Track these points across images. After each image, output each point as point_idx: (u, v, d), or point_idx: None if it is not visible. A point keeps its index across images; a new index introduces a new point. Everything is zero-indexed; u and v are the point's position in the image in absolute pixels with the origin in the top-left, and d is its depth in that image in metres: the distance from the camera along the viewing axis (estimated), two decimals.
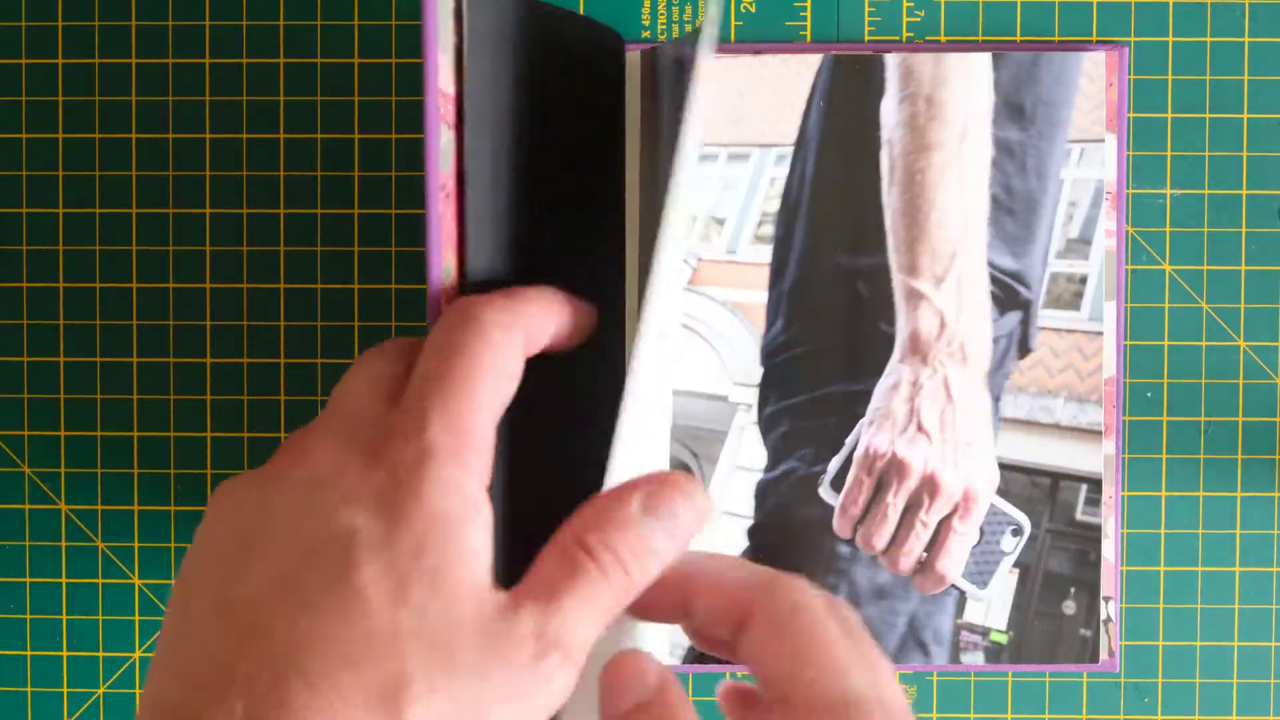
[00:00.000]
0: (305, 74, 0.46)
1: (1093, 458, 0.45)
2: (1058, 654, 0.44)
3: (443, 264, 0.34)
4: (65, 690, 0.46)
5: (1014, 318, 0.45)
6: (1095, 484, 0.45)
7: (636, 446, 0.35)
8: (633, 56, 0.43)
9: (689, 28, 0.46)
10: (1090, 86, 0.45)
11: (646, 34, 0.46)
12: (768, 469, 0.45)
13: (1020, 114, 0.45)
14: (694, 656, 0.45)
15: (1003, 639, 0.45)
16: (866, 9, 0.46)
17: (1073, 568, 0.45)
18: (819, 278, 0.45)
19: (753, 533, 0.45)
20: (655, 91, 0.42)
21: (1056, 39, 0.46)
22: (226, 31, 0.46)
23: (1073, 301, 0.45)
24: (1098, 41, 0.46)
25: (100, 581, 0.46)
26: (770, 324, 0.45)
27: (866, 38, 0.46)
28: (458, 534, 0.28)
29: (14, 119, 0.46)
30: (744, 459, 0.45)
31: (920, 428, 0.45)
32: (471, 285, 0.35)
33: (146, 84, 0.46)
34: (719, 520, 0.45)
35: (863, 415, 0.45)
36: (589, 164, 0.41)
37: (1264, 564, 0.46)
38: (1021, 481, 0.45)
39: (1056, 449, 0.45)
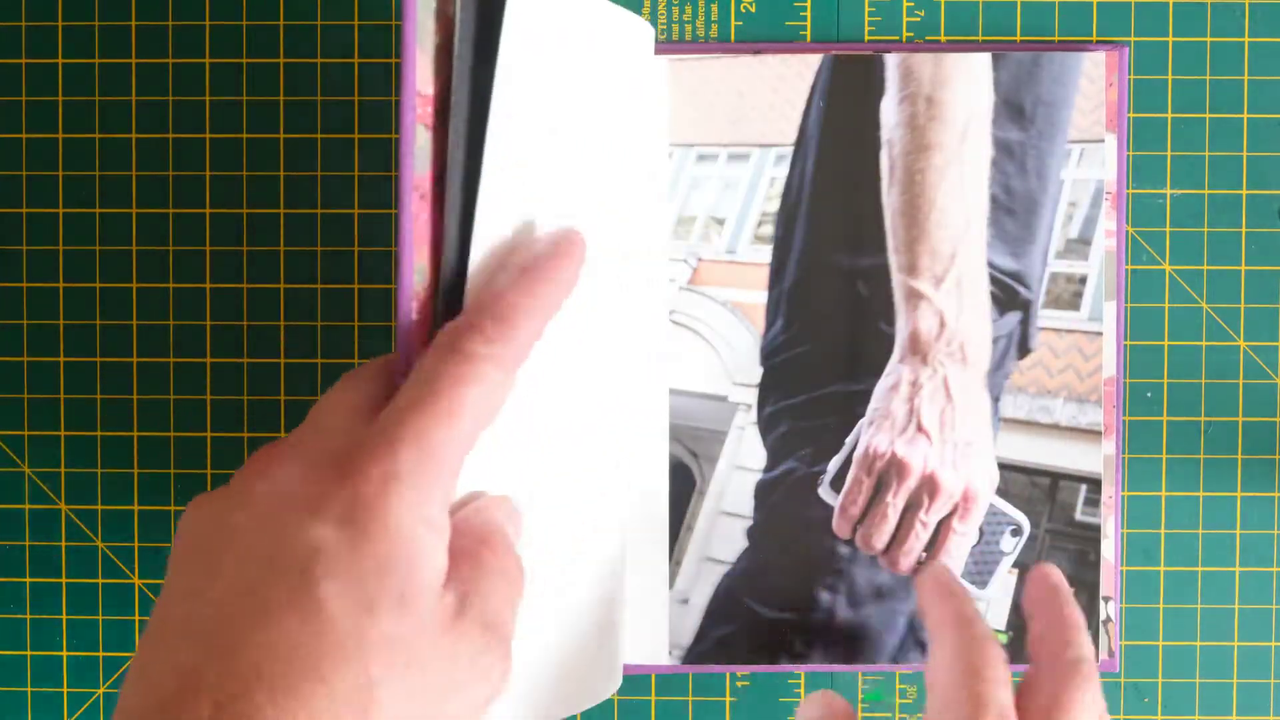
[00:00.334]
0: (305, 74, 0.46)
1: (1092, 458, 0.45)
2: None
3: (415, 265, 0.34)
4: (65, 690, 0.46)
5: (1014, 318, 0.45)
6: (1095, 484, 0.45)
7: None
8: None
9: (689, 28, 0.46)
10: (1090, 86, 0.45)
11: None
12: (767, 469, 0.45)
13: (1020, 114, 0.45)
14: (694, 657, 0.45)
15: (1002, 639, 0.45)
16: (866, 9, 0.46)
17: (1072, 568, 0.45)
18: (819, 278, 0.45)
19: (752, 533, 0.45)
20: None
21: (1056, 39, 0.46)
22: (226, 31, 0.46)
23: (1072, 301, 0.45)
24: (1098, 41, 0.46)
25: (100, 581, 0.46)
26: (770, 324, 0.45)
27: (866, 38, 0.46)
28: (418, 553, 0.29)
29: (14, 119, 0.46)
30: (744, 459, 0.45)
31: (920, 428, 0.45)
32: (447, 286, 0.35)
33: (146, 84, 0.46)
34: (719, 521, 0.45)
35: (862, 415, 0.45)
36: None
37: (1264, 564, 0.46)
38: (1021, 482, 0.45)
39: (1056, 449, 0.45)
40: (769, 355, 0.45)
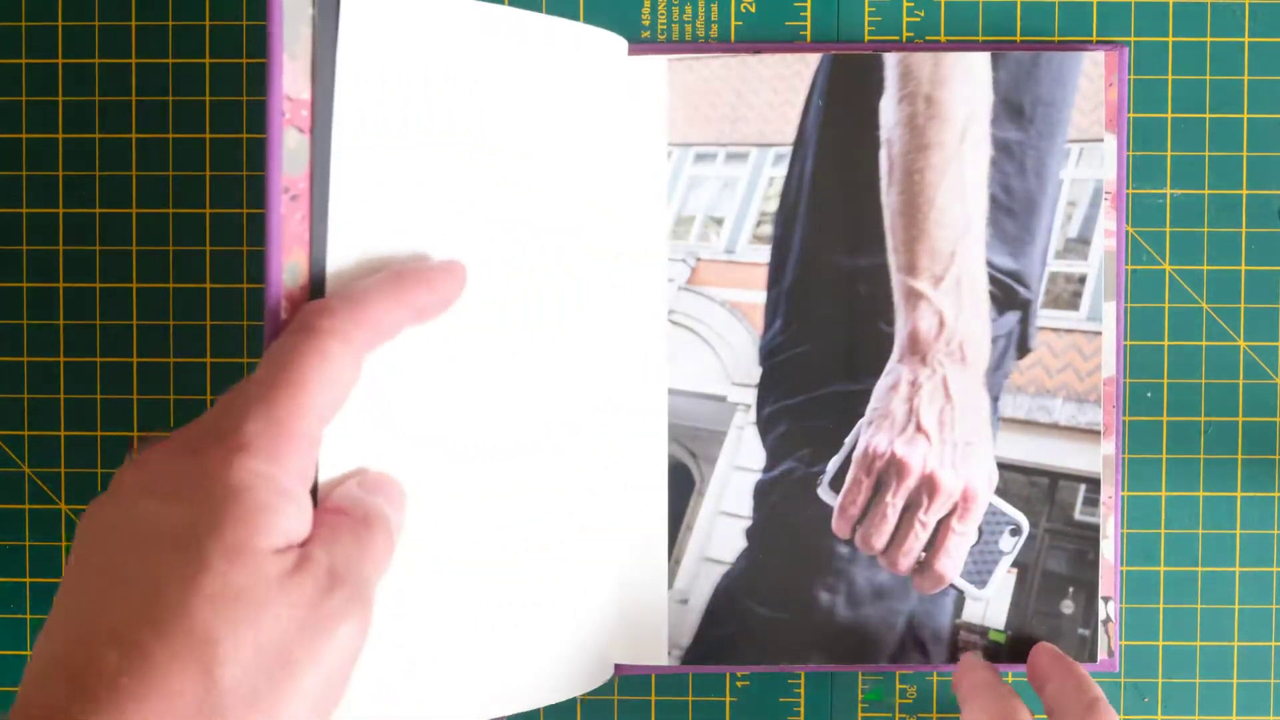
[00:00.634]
0: None
1: (1091, 458, 0.45)
2: None
3: (286, 265, 0.35)
4: None
5: (1013, 317, 0.45)
6: (1094, 484, 0.45)
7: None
8: None
9: (689, 28, 0.46)
10: (1090, 86, 0.45)
11: (646, 34, 0.46)
12: (766, 469, 0.45)
13: (1019, 114, 0.45)
14: (694, 657, 0.45)
15: (1001, 638, 0.45)
16: (866, 9, 0.46)
17: (1071, 567, 0.45)
18: (818, 277, 0.45)
19: (751, 533, 0.45)
20: None
21: (1056, 39, 0.46)
22: (226, 31, 0.46)
23: (1071, 301, 0.45)
24: (1097, 41, 0.46)
25: None
26: (769, 324, 0.45)
27: (866, 37, 0.46)
28: (256, 511, 0.31)
29: (14, 119, 0.46)
30: (743, 459, 0.45)
31: (919, 428, 0.45)
32: (319, 284, 0.36)
33: (146, 84, 0.46)
34: (719, 521, 0.45)
35: (861, 415, 0.45)
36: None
37: (1264, 564, 0.46)
38: (1020, 481, 0.45)
39: (1055, 449, 0.45)
40: (768, 355, 0.45)
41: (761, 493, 0.45)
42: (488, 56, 0.40)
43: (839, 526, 0.45)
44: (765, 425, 0.45)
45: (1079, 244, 0.45)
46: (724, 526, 0.45)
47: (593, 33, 0.43)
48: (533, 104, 0.41)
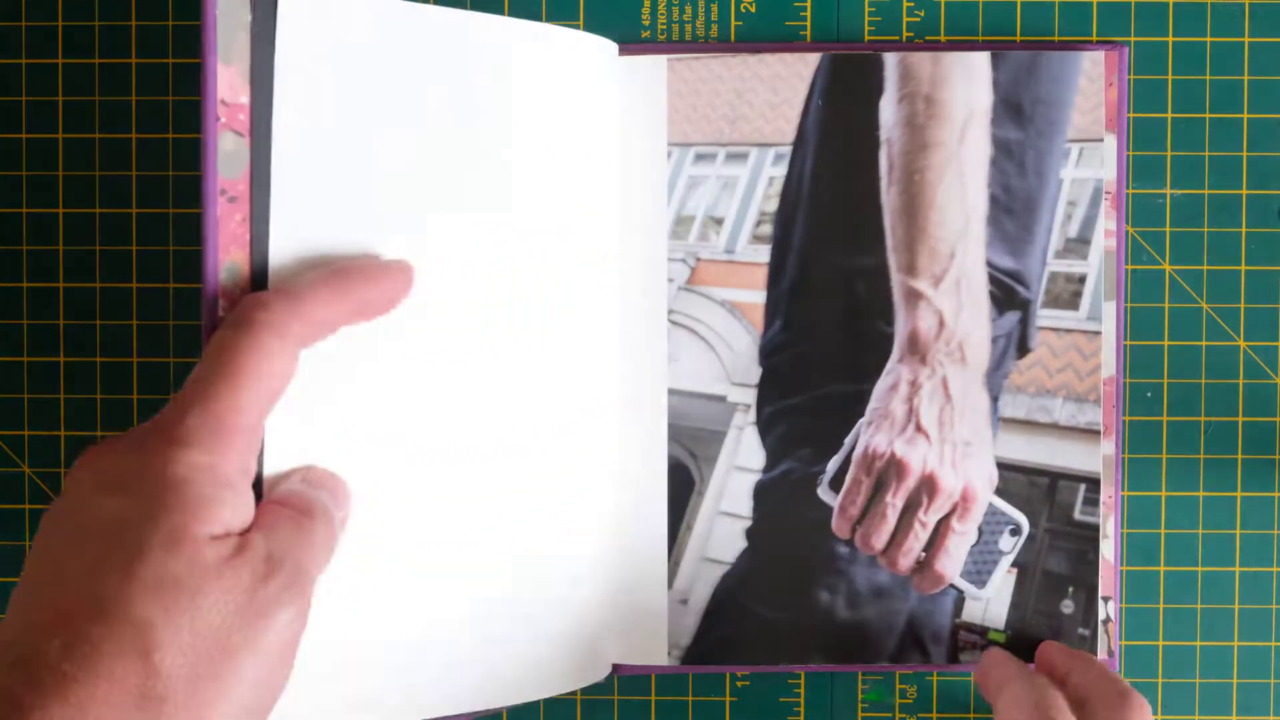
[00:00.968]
0: None
1: (1091, 458, 0.45)
2: None
3: (224, 265, 0.36)
4: None
5: (1013, 317, 0.45)
6: (1094, 484, 0.45)
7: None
8: None
9: (689, 28, 0.46)
10: (1090, 86, 0.45)
11: (646, 34, 0.46)
12: (766, 469, 0.45)
13: (1019, 113, 0.45)
14: (694, 657, 0.45)
15: (1001, 638, 0.45)
16: (866, 9, 0.46)
17: (1071, 567, 0.45)
18: (818, 277, 0.45)
19: (751, 533, 0.45)
20: None
21: (1056, 39, 0.46)
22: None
23: (1071, 301, 0.45)
24: (1097, 41, 0.46)
25: None
26: (769, 324, 0.45)
27: (866, 37, 0.46)
28: (193, 501, 0.31)
29: (14, 119, 0.46)
30: (742, 459, 0.45)
31: (919, 428, 0.45)
32: (259, 284, 0.37)
33: (146, 84, 0.46)
34: (719, 521, 0.45)
35: (861, 415, 0.45)
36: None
37: (1264, 564, 0.46)
38: (1020, 481, 0.45)
39: (1055, 449, 0.45)
40: (768, 355, 0.45)
41: (761, 493, 0.45)
42: (442, 60, 0.40)
43: (839, 526, 0.45)
44: (765, 425, 0.45)
45: (1079, 244, 0.45)
46: (724, 526, 0.45)
47: (575, 36, 0.43)
48: (506, 108, 0.41)
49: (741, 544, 0.45)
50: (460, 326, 0.40)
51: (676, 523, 0.45)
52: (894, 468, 0.45)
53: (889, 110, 0.45)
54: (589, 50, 0.44)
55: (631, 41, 0.46)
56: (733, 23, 0.46)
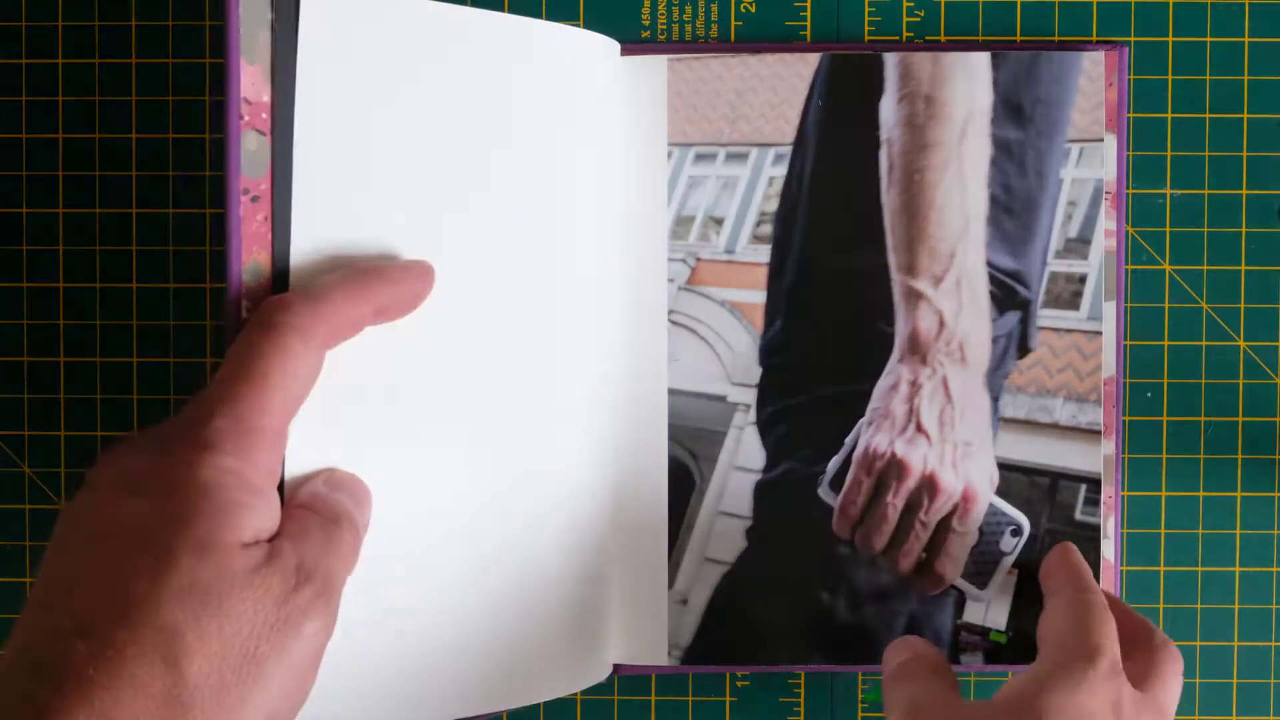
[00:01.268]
0: None
1: (1092, 458, 0.45)
2: None
3: (247, 265, 0.36)
4: None
5: (1013, 317, 0.45)
6: (1094, 484, 0.45)
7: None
8: None
9: (689, 28, 0.46)
10: (1089, 86, 0.45)
11: (646, 34, 0.46)
12: (766, 469, 0.45)
13: (1019, 113, 0.45)
14: (694, 657, 0.45)
15: (1002, 639, 0.45)
16: (866, 9, 0.46)
17: None
18: (818, 277, 0.45)
19: (751, 533, 0.45)
20: None
21: (1056, 39, 0.46)
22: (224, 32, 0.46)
23: (1072, 301, 0.45)
24: (1097, 41, 0.46)
25: None
26: (769, 324, 0.45)
27: (866, 38, 0.46)
28: (223, 507, 0.31)
29: (14, 119, 0.46)
30: (743, 459, 0.45)
31: (919, 428, 0.45)
32: (297, 283, 0.37)
33: (146, 84, 0.46)
34: (719, 521, 0.45)
35: (862, 415, 0.45)
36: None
37: (1264, 564, 0.46)
38: (1021, 481, 0.45)
39: (1055, 449, 0.45)
40: (768, 355, 0.45)
41: (761, 493, 0.45)
42: (457, 59, 0.40)
43: (839, 527, 0.45)
44: (765, 425, 0.45)
45: (1079, 244, 0.45)
46: (724, 526, 0.45)
47: (580, 35, 0.43)
48: (512, 107, 0.41)
49: (742, 544, 0.45)
50: (469, 326, 0.40)
51: (676, 523, 0.45)
52: (894, 468, 0.45)
53: (889, 110, 0.45)
54: (593, 49, 0.44)
55: (632, 41, 0.46)
56: (733, 23, 0.46)
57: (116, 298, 0.46)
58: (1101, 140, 0.45)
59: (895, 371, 0.45)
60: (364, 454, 0.38)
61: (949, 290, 0.45)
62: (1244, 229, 0.46)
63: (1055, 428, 0.45)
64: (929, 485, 0.45)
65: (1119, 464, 0.45)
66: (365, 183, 0.38)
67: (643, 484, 0.45)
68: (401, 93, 0.39)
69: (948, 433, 0.45)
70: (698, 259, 0.45)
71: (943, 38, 0.46)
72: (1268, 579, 0.46)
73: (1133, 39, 0.46)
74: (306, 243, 0.37)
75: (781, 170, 0.45)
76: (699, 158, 0.45)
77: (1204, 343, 0.46)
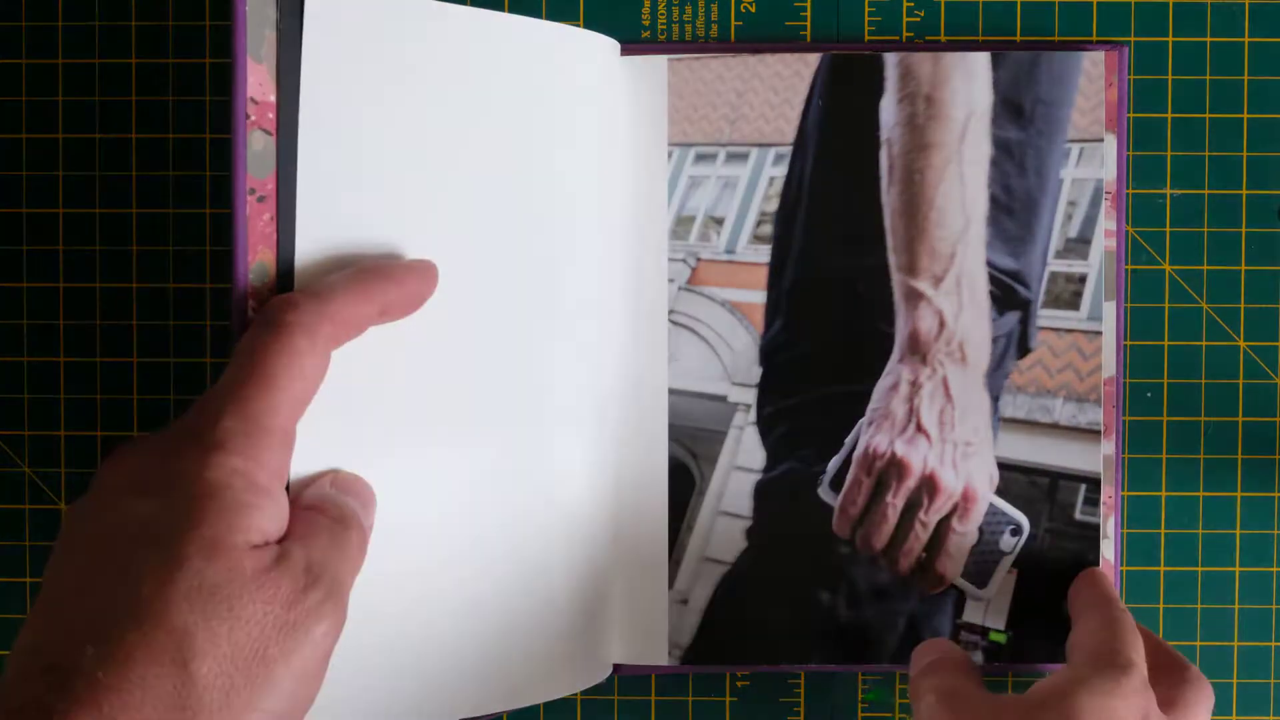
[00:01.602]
0: None
1: (1091, 457, 0.45)
2: (1057, 654, 0.44)
3: (253, 265, 0.36)
4: None
5: (1013, 317, 0.45)
6: (1094, 484, 0.45)
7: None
8: None
9: (689, 28, 0.46)
10: (1090, 86, 0.45)
11: (646, 34, 0.46)
12: (767, 469, 0.45)
13: (1019, 113, 0.45)
14: (694, 657, 0.45)
15: (1002, 639, 0.45)
16: (866, 9, 0.46)
17: (1071, 567, 0.45)
18: (818, 277, 0.45)
19: (751, 533, 0.45)
20: None
21: (1056, 39, 0.46)
22: (227, 31, 0.46)
23: (1072, 301, 0.45)
24: (1097, 41, 0.46)
25: None
26: (769, 324, 0.45)
27: (866, 37, 0.46)
28: (232, 508, 0.31)
29: (14, 119, 0.46)
30: (743, 459, 0.45)
31: (919, 428, 0.45)
32: (302, 282, 0.37)
33: (146, 84, 0.46)
34: (719, 521, 0.45)
35: (862, 415, 0.45)
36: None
37: (1264, 564, 0.46)
38: (1021, 481, 0.45)
39: (1055, 449, 0.45)
40: (768, 355, 0.45)
41: (761, 493, 0.45)
42: (459, 59, 0.40)
43: (839, 526, 0.45)
44: (765, 425, 0.45)
45: (1079, 244, 0.45)
46: (724, 526, 0.45)
47: (581, 35, 0.43)
48: (514, 106, 0.41)
49: (742, 544, 0.45)
50: (470, 326, 0.40)
51: (677, 523, 0.45)
52: (895, 468, 0.45)
53: (889, 110, 0.45)
54: (593, 49, 0.44)
55: (632, 41, 0.46)
56: (733, 23, 0.46)
57: (116, 298, 0.46)
58: (1101, 140, 0.45)
59: (895, 371, 0.45)
60: (364, 454, 0.38)
61: (949, 290, 0.45)
62: (1244, 229, 0.46)
63: (1055, 428, 0.45)
64: (929, 485, 0.45)
65: (1119, 464, 0.45)
66: (368, 182, 0.38)
67: (643, 484, 0.45)
68: (404, 93, 0.39)
69: (948, 433, 0.45)
70: (698, 259, 0.45)
71: (943, 38, 0.46)
72: (1268, 579, 0.46)
73: (1133, 39, 0.46)
74: (311, 242, 0.37)
75: (782, 170, 0.45)
76: (699, 158, 0.45)
77: (1204, 343, 0.46)
